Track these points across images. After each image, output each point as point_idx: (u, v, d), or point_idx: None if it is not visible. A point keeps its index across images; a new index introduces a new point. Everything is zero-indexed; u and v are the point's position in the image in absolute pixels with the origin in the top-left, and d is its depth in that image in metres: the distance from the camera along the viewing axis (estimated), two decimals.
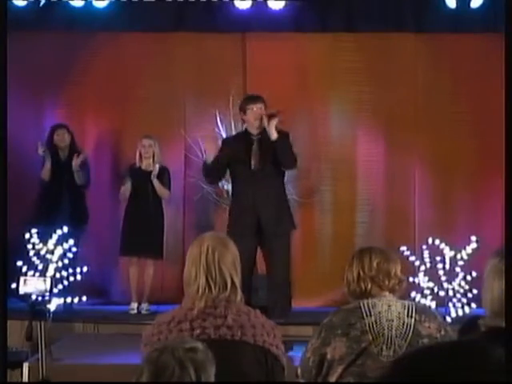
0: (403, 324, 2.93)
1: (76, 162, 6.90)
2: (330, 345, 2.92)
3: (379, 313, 2.94)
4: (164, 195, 6.94)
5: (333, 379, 2.91)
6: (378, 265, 3.04)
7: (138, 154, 6.94)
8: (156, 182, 6.86)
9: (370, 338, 2.89)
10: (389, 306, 2.97)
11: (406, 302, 3.03)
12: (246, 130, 6.29)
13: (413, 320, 2.94)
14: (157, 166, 6.86)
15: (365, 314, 2.93)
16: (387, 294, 3.02)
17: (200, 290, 2.68)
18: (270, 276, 6.23)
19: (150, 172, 6.87)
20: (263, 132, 6.08)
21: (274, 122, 5.98)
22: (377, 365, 2.80)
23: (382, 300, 2.99)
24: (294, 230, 6.34)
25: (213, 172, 6.30)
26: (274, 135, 5.99)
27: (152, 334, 2.66)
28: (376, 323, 2.92)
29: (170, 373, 1.93)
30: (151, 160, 6.92)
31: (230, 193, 6.58)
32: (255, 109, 6.10)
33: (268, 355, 2.64)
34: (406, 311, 2.96)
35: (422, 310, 3.02)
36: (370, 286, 3.02)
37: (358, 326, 2.91)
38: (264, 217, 6.06)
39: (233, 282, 2.68)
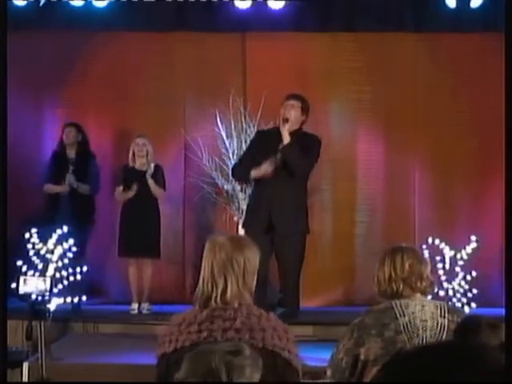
0: (437, 324, 2.92)
1: (73, 183, 6.83)
2: (364, 345, 2.90)
3: (413, 313, 2.92)
4: (159, 194, 6.91)
5: (367, 380, 2.89)
6: (411, 266, 3.00)
7: (130, 154, 6.92)
8: (151, 181, 6.84)
9: (405, 338, 2.87)
10: (422, 306, 2.96)
11: (438, 302, 3.01)
12: (278, 126, 6.15)
13: (446, 320, 2.93)
14: (152, 164, 6.85)
15: (398, 315, 2.91)
16: (419, 295, 3.00)
17: (199, 292, 2.68)
18: (280, 277, 6.17)
19: (144, 171, 6.86)
20: (297, 130, 6.01)
21: (286, 126, 5.93)
22: None
23: (414, 300, 2.97)
24: (308, 233, 6.22)
25: (236, 175, 6.38)
26: (285, 139, 5.93)
27: (165, 335, 2.67)
28: (410, 323, 2.90)
29: (203, 374, 1.92)
30: (145, 159, 6.91)
31: (252, 187, 6.50)
32: (285, 106, 6.02)
33: (278, 359, 2.57)
34: (438, 311, 2.95)
35: (454, 310, 3.02)
36: (401, 287, 2.99)
37: (392, 327, 2.89)
38: (276, 215, 5.97)
39: (226, 282, 2.64)
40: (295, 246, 6.07)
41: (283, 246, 6.03)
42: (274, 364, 2.58)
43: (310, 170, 6.14)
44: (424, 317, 2.92)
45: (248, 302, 2.68)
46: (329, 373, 3.03)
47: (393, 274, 3.00)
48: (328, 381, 3.02)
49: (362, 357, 2.89)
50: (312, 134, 6.14)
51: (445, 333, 2.89)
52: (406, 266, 3.00)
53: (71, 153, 6.99)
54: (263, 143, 6.11)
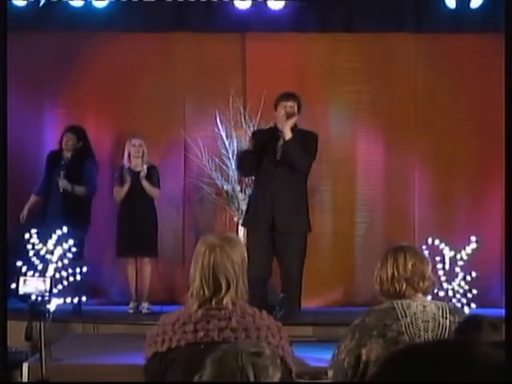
0: (439, 325, 2.91)
1: (67, 187, 6.78)
2: (366, 346, 2.89)
3: (415, 314, 2.92)
4: (154, 194, 6.95)
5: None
6: (414, 266, 2.99)
7: (126, 154, 6.95)
8: (145, 182, 6.86)
9: (407, 339, 2.86)
10: (424, 306, 2.95)
11: (440, 303, 3.01)
12: (275, 125, 6.15)
13: (447, 321, 2.92)
14: (145, 166, 6.88)
15: (400, 315, 2.91)
16: (420, 295, 3.00)
17: (194, 292, 2.67)
18: (281, 276, 6.16)
19: (139, 172, 6.88)
20: (292, 130, 6.00)
21: (290, 122, 5.94)
22: None
23: (416, 301, 2.96)
24: (309, 232, 6.21)
25: (245, 164, 6.25)
26: (287, 135, 5.93)
27: (157, 335, 2.65)
28: (412, 324, 2.89)
29: (231, 376, 1.92)
30: (140, 160, 6.92)
31: (252, 186, 6.54)
32: (285, 106, 6.02)
33: None
34: (440, 312, 2.94)
35: (456, 311, 3.02)
36: (404, 287, 2.98)
37: (394, 328, 2.89)
38: (278, 214, 5.97)
39: (228, 284, 2.64)
40: (296, 245, 6.06)
41: (285, 245, 6.01)
42: None
43: (309, 166, 6.15)
44: (426, 317, 2.91)
45: (244, 301, 2.69)
46: (330, 374, 3.02)
47: (395, 274, 2.98)
48: (329, 381, 3.02)
49: (363, 357, 2.88)
50: (309, 131, 6.19)
51: (446, 334, 2.88)
52: (409, 265, 2.98)
53: (67, 154, 6.97)
54: (261, 141, 6.09)
